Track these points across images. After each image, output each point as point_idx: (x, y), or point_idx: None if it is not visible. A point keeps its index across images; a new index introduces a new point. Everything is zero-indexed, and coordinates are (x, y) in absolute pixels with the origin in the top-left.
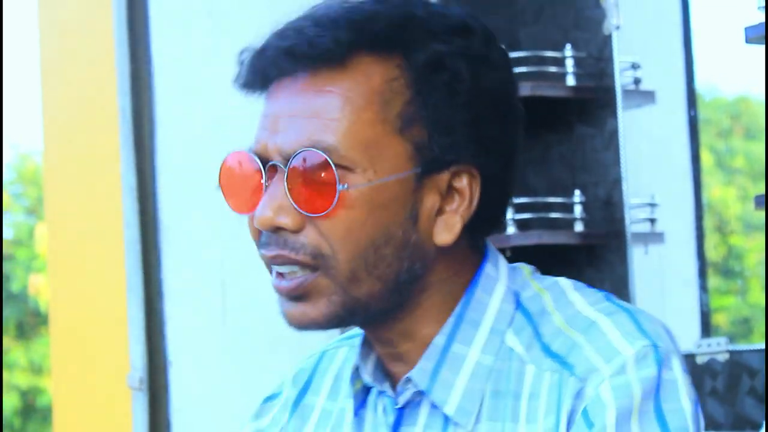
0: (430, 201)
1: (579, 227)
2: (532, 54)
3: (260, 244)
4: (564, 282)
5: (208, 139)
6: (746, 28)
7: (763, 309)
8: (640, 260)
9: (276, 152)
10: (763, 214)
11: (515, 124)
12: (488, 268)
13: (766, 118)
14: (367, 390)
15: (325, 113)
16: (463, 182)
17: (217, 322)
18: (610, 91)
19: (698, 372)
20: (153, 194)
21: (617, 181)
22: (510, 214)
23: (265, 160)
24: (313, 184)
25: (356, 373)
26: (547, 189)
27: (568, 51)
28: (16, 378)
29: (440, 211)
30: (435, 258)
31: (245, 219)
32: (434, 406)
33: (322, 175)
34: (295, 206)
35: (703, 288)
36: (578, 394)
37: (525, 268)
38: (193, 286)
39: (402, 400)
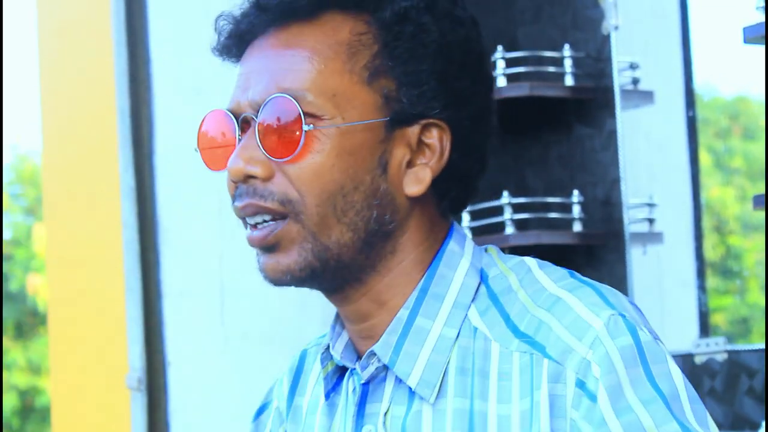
0: (401, 153)
1: (577, 227)
2: (531, 54)
3: (234, 198)
4: (530, 261)
5: None
6: (744, 29)
7: (761, 309)
8: (638, 260)
9: (248, 106)
10: (762, 214)
11: (484, 82)
12: (452, 245)
13: (765, 119)
14: (340, 375)
15: (293, 64)
16: (433, 136)
17: (216, 322)
18: (609, 91)
19: (697, 372)
20: (151, 195)
21: (616, 182)
22: (508, 214)
23: (238, 116)
24: (282, 131)
25: (327, 354)
26: (545, 189)
27: (567, 51)
28: (14, 378)
29: (410, 164)
30: (405, 216)
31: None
32: (399, 381)
33: (291, 120)
34: (265, 153)
35: (702, 288)
36: (557, 377)
37: (492, 249)
38: (191, 286)
39: (366, 374)
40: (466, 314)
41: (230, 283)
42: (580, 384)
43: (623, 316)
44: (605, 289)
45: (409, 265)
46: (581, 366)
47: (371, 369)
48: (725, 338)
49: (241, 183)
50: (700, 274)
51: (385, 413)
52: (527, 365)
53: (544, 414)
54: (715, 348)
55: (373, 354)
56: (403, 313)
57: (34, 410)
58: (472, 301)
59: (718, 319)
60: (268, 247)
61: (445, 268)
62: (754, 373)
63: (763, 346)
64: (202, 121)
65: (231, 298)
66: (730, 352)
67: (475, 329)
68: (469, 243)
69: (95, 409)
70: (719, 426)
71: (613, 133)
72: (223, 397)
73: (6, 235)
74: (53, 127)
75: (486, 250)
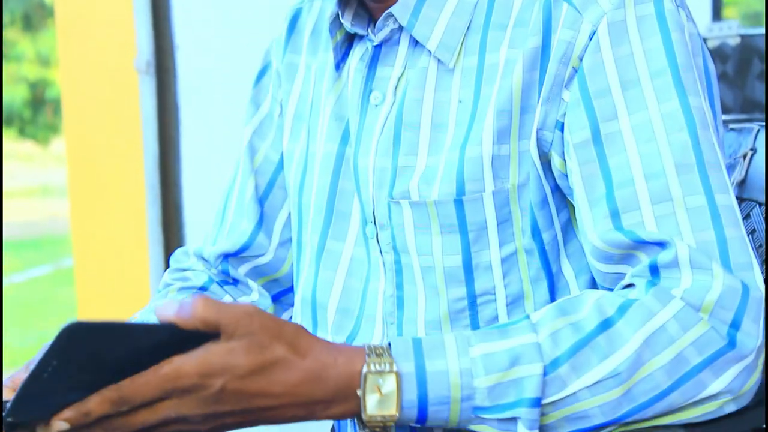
0: None
1: None
2: None
3: None
4: None
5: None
6: None
7: None
8: None
9: None
10: None
11: None
12: None
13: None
14: (347, 44)
15: None
16: None
17: (224, 2)
18: None
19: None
20: None
21: None
22: None
23: None
24: None
25: (336, 23)
26: None
27: None
28: (24, 70)
29: None
30: None
31: None
32: (414, 44)
33: None
34: None
35: None
36: (573, 24)
37: None
38: None
39: (380, 36)
40: None
41: None
42: (592, 35)
43: None
44: None
45: None
46: (599, 20)
47: (386, 31)
48: (738, 23)
49: None
50: None
51: (399, 77)
52: (548, 8)
53: (554, 57)
54: (728, 32)
55: (389, 16)
56: None
57: (44, 101)
58: None
59: (730, 12)
60: None
61: None
62: (766, 56)
63: None
64: None
65: None
66: (743, 36)
67: None
68: None
69: (105, 94)
70: (729, 110)
71: None
72: (231, 78)
73: None
74: None
75: None
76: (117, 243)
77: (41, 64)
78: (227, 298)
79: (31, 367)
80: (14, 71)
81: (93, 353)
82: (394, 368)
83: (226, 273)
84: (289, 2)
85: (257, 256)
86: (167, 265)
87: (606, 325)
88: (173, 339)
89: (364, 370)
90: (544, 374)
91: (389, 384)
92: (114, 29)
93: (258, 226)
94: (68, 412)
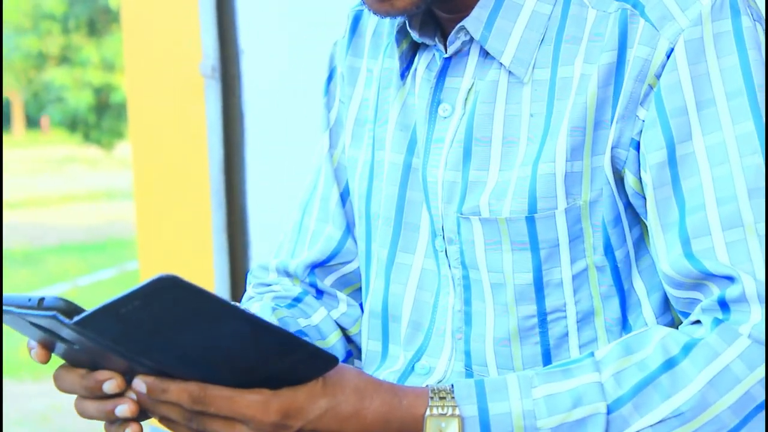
0: None
1: None
2: None
3: None
4: None
5: None
6: None
7: None
8: None
9: None
10: None
11: None
12: None
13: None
14: (412, 53)
15: None
16: None
17: (288, 7)
18: None
19: None
20: None
21: None
22: None
23: None
24: None
25: (402, 32)
26: None
27: None
28: (89, 76)
29: None
30: None
31: None
32: (484, 56)
33: None
34: None
35: None
36: (650, 41)
37: None
38: None
39: (452, 49)
40: None
41: None
42: (669, 53)
43: None
44: None
45: None
46: (677, 37)
47: (457, 43)
48: None
49: None
50: None
51: (468, 89)
52: (623, 23)
53: (629, 74)
54: None
55: (462, 28)
56: None
57: (109, 106)
58: None
59: None
60: None
61: None
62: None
63: None
64: None
65: None
66: None
67: None
68: None
69: (170, 100)
70: None
71: None
72: (295, 82)
73: None
74: None
75: None
76: (182, 247)
77: (106, 69)
78: (321, 310)
79: (114, 297)
80: (79, 76)
81: (177, 314)
82: (457, 412)
83: (313, 285)
84: (351, 4)
85: (345, 263)
86: (232, 269)
87: (670, 364)
88: (265, 342)
89: (427, 413)
90: (608, 413)
91: (452, 428)
92: (179, 34)
93: (347, 231)
94: (150, 379)
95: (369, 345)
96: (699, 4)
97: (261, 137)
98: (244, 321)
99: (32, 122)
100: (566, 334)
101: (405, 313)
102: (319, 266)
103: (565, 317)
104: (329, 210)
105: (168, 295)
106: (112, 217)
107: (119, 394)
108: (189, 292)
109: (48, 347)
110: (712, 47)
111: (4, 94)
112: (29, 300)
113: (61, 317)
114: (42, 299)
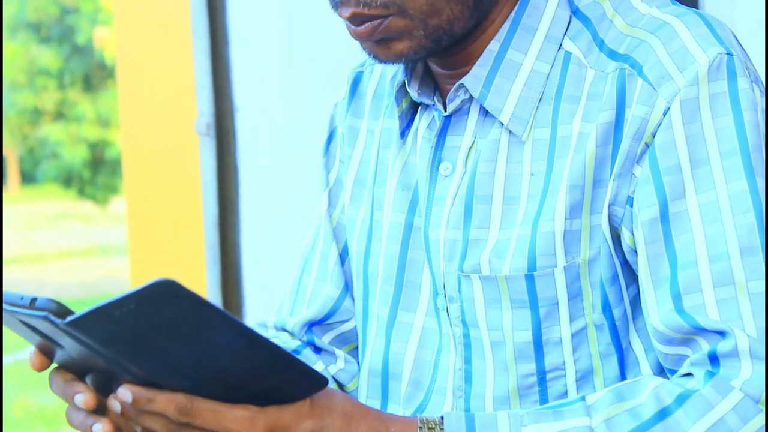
0: None
1: None
2: None
3: (335, 4)
4: None
5: None
6: None
7: None
8: None
9: None
10: None
11: None
12: None
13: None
14: (412, 112)
15: None
16: None
17: (284, 66)
18: None
19: None
20: None
21: None
22: None
23: None
24: None
25: (402, 91)
26: None
27: None
28: (84, 131)
29: None
30: None
31: None
32: (484, 115)
33: None
34: None
35: None
36: (647, 100)
37: None
38: (259, 31)
39: (452, 107)
40: (560, 45)
41: (298, 27)
42: (666, 111)
43: (730, 55)
44: (713, 20)
45: (507, 11)
46: (674, 97)
47: (457, 102)
48: None
49: None
50: None
51: (469, 148)
52: (621, 82)
53: (627, 132)
54: None
55: (461, 86)
56: (494, 46)
57: (104, 162)
58: (564, 34)
59: None
60: (377, 41)
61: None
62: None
63: None
64: None
65: (299, 43)
66: None
67: (569, 55)
68: None
69: (164, 156)
70: None
71: None
72: (291, 140)
73: None
74: None
75: None
76: None
77: (101, 124)
78: (319, 365)
79: (109, 299)
80: (75, 132)
81: (172, 320)
82: None
83: (311, 343)
84: (348, 65)
85: (343, 322)
86: None
87: (664, 414)
88: (258, 356)
89: None
90: None
91: None
92: (174, 90)
93: (345, 290)
94: (136, 388)
95: (367, 404)
96: (697, 65)
97: (256, 194)
98: (239, 332)
99: (27, 178)
100: (565, 393)
101: (405, 371)
102: (316, 324)
103: (564, 376)
104: (328, 269)
105: (164, 299)
106: (107, 272)
107: (101, 411)
108: (186, 299)
109: (47, 354)
110: (707, 107)
111: None
112: (21, 298)
113: (53, 317)
114: (34, 299)
